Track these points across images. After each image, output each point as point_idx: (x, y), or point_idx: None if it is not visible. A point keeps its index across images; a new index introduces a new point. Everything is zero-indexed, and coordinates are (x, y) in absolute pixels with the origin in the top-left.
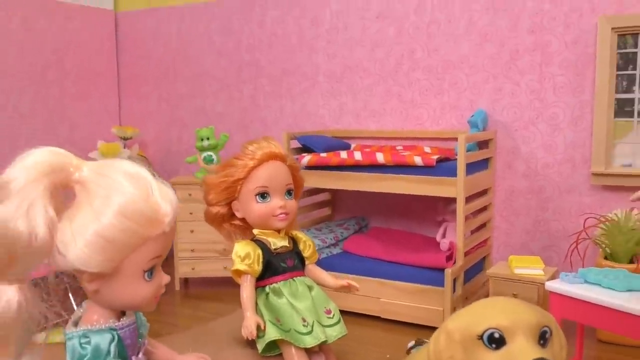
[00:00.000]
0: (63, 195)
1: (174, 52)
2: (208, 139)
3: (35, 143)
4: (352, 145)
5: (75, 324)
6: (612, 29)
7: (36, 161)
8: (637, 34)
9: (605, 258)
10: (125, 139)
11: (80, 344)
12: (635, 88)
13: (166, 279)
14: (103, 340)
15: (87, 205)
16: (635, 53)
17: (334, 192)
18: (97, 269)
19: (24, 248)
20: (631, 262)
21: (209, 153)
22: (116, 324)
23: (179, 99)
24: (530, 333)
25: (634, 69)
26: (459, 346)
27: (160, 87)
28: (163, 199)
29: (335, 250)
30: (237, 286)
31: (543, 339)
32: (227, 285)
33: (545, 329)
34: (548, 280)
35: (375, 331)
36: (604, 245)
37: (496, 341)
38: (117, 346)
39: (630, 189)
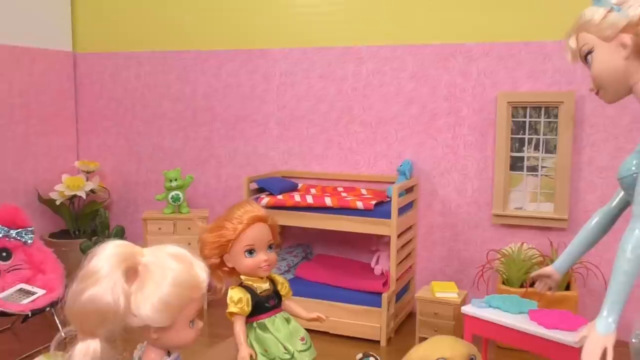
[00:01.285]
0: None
1: (132, 94)
2: (176, 180)
3: (5, 177)
4: (299, 185)
5: None
6: (508, 102)
7: (113, 253)
8: (526, 107)
9: (503, 283)
10: (88, 172)
11: None
12: (525, 149)
13: (201, 324)
14: None
15: (150, 280)
16: (525, 122)
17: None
18: (160, 324)
19: (112, 314)
20: (522, 286)
21: (177, 192)
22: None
23: (137, 136)
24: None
25: (524, 134)
26: None
27: (119, 125)
28: (201, 270)
29: (289, 277)
30: None
31: None
32: None
33: (473, 356)
34: (460, 301)
35: (327, 344)
36: (501, 273)
37: None
38: None
39: (521, 226)
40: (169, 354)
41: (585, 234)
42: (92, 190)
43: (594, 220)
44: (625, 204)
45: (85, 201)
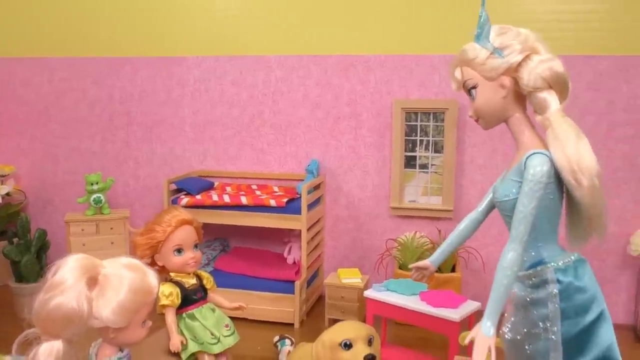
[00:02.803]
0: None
1: (45, 98)
2: (97, 183)
3: None
4: (215, 184)
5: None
6: (401, 108)
7: (77, 266)
8: (417, 112)
9: (400, 268)
10: (2, 176)
11: None
12: (417, 149)
13: (150, 323)
14: None
15: (110, 288)
16: (416, 125)
17: None
18: (117, 325)
19: (77, 319)
20: None
21: (98, 195)
22: (121, 355)
23: (53, 139)
24: (364, 340)
25: (416, 136)
26: (329, 350)
27: (34, 128)
28: (152, 278)
29: (208, 269)
30: None
31: (370, 342)
32: None
33: (371, 337)
34: (363, 285)
35: (246, 329)
36: (398, 259)
37: (348, 346)
38: None
39: (414, 217)
40: (121, 350)
41: (456, 235)
42: (7, 194)
43: (463, 225)
44: (490, 210)
45: None
